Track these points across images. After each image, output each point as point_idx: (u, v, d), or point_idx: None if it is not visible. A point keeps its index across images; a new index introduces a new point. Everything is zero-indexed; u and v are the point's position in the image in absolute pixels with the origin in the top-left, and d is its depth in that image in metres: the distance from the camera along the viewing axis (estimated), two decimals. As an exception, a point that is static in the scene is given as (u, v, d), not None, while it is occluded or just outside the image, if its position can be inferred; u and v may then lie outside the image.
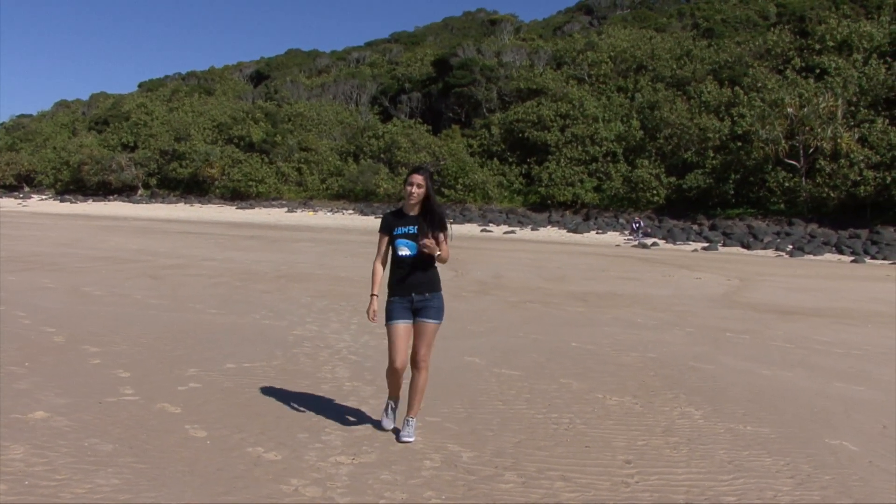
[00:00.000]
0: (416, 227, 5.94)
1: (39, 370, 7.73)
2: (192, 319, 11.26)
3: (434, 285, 6.08)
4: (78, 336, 9.55)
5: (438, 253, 5.94)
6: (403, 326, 5.96)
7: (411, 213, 6.03)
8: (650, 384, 8.18)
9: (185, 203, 76.20)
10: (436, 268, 6.10)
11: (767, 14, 69.07)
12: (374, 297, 6.04)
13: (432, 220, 5.99)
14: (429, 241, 5.80)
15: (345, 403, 6.94)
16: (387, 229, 6.07)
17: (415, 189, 5.93)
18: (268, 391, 7.31)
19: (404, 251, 5.95)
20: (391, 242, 6.04)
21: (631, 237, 42.56)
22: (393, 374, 6.05)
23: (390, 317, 5.97)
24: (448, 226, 6.12)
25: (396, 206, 6.44)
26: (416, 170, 6.05)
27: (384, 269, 6.15)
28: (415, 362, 6.03)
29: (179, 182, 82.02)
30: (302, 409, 6.74)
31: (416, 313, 6.01)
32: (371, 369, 8.17)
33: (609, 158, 57.22)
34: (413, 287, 5.97)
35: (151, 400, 6.80)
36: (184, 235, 33.57)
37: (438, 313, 6.08)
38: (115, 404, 6.63)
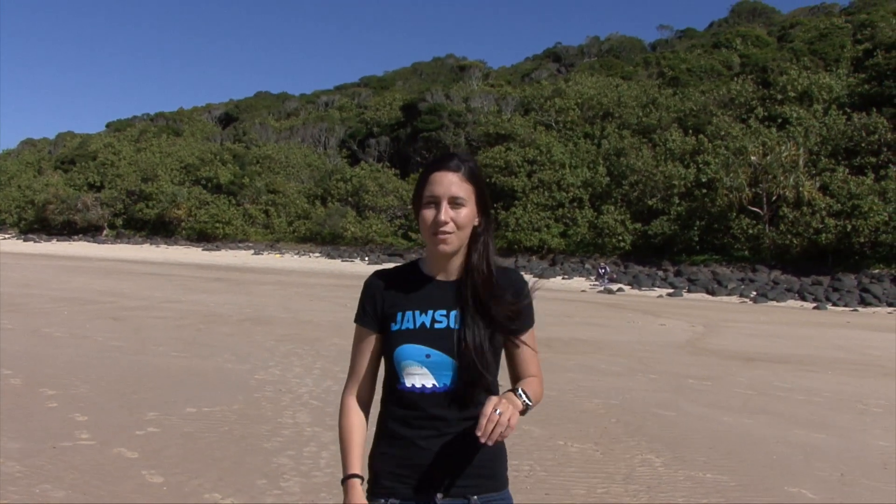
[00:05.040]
0: (453, 311, 2.49)
1: (-6, 414, 7.59)
2: (153, 362, 11.14)
3: (496, 471, 2.56)
4: (35, 378, 9.41)
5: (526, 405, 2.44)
6: None
7: (440, 277, 2.55)
8: (612, 431, 8.19)
9: (151, 244, 75.60)
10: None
11: (731, 64, 70.40)
12: (355, 483, 2.50)
13: (494, 293, 2.51)
14: (492, 414, 2.23)
15: (305, 449, 6.88)
16: (374, 316, 2.56)
17: (444, 215, 2.42)
18: (227, 436, 7.23)
19: (420, 378, 2.47)
20: (386, 351, 2.53)
21: (597, 283, 42.76)
22: None
23: None
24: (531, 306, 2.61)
25: (403, 262, 2.87)
26: (445, 161, 2.50)
27: (368, 411, 2.65)
28: None
29: (146, 223, 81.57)
30: (261, 454, 6.67)
31: None
32: (332, 415, 8.11)
33: (575, 204, 57.63)
34: (441, 476, 2.46)
35: (108, 444, 6.70)
36: (148, 277, 33.28)
37: None
38: (70, 449, 6.52)
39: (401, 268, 2.66)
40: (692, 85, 66.53)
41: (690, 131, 56.52)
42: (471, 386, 2.44)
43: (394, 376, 2.50)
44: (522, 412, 2.40)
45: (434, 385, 2.45)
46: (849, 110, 50.82)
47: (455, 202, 2.44)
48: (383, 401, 2.58)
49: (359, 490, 2.48)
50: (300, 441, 7.15)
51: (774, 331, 21.16)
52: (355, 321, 2.62)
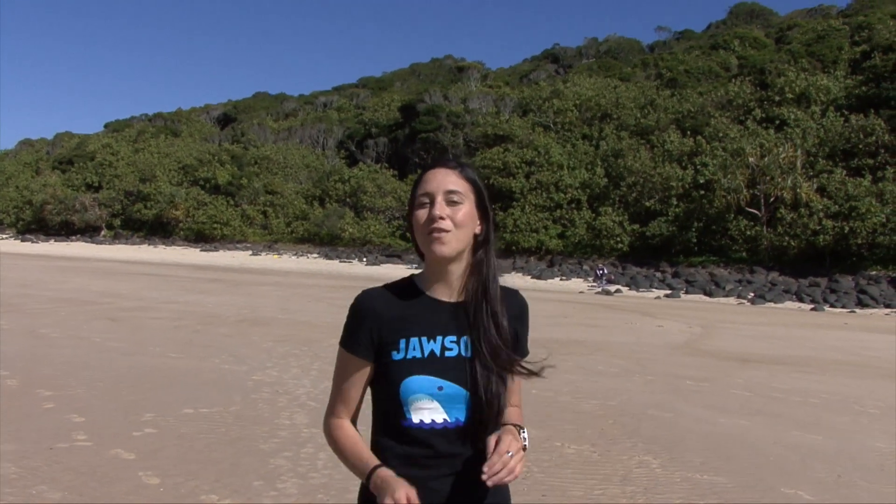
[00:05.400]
0: (463, 338, 2.23)
1: (-9, 415, 7.58)
2: (150, 363, 11.13)
3: (506, 498, 2.33)
4: (32, 379, 9.40)
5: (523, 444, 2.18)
6: None
7: (443, 297, 2.27)
8: (609, 432, 8.19)
9: (149, 244, 75.64)
10: None
11: (729, 66, 70.46)
12: (385, 470, 2.10)
13: (497, 319, 2.26)
14: (506, 455, 2.02)
15: (302, 450, 6.87)
16: (369, 345, 2.23)
17: (440, 208, 2.18)
18: (224, 437, 7.22)
19: (430, 413, 2.18)
20: (387, 382, 2.22)
21: (594, 284, 42.75)
22: None
23: None
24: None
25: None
26: (440, 159, 2.36)
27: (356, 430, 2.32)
28: None
29: (143, 223, 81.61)
30: (258, 456, 6.66)
31: None
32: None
33: (573, 205, 57.64)
34: None
35: (104, 446, 6.70)
36: (146, 277, 33.26)
37: None
38: (67, 450, 6.52)
39: (394, 286, 2.32)
40: (690, 86, 66.55)
41: (688, 133, 56.54)
42: (486, 420, 2.18)
43: (396, 411, 2.19)
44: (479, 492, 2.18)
45: (445, 420, 2.18)
46: (846, 112, 50.85)
47: (452, 198, 2.19)
48: (378, 436, 2.26)
49: (391, 473, 2.08)
50: (297, 442, 7.14)
51: (772, 332, 21.17)
52: (344, 347, 2.28)
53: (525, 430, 2.25)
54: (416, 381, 2.16)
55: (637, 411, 9.34)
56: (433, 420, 2.16)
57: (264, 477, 6.09)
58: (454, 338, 2.21)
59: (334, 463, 6.31)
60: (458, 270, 2.26)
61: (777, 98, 55.72)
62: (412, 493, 1.99)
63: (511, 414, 2.30)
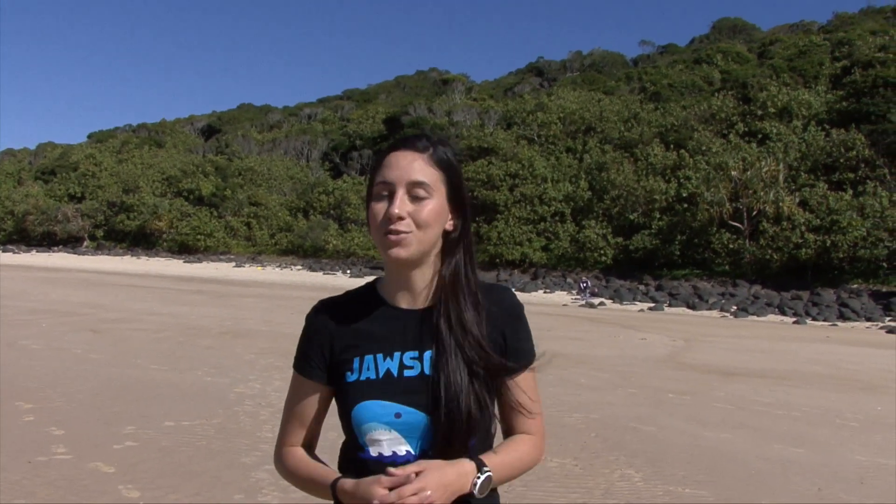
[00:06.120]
0: (427, 352, 1.86)
1: (-31, 427, 7.52)
2: (132, 375, 11.06)
3: None
4: (11, 391, 9.32)
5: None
6: None
7: (404, 305, 1.92)
8: (591, 446, 8.19)
9: (132, 256, 75.35)
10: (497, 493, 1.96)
11: (712, 80, 70.95)
12: (348, 481, 1.80)
13: (475, 322, 1.88)
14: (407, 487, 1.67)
15: (284, 463, 6.83)
16: (321, 365, 1.93)
17: (398, 206, 1.81)
18: (205, 450, 7.18)
19: (389, 444, 1.83)
20: (342, 408, 1.91)
21: (578, 297, 42.77)
22: None
23: None
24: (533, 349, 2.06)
25: (363, 284, 2.02)
26: (408, 139, 1.90)
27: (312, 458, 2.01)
28: None
29: (127, 234, 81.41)
30: (239, 469, 6.63)
31: None
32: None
33: (557, 218, 57.81)
34: None
35: (84, 459, 6.65)
36: (129, 289, 33.08)
37: None
38: (46, 463, 6.46)
39: (354, 294, 2.00)
40: (673, 100, 66.96)
41: (672, 146, 56.82)
42: (455, 451, 1.79)
43: (353, 442, 1.88)
44: (465, 497, 1.78)
45: (408, 452, 1.81)
46: (827, 126, 51.38)
47: (416, 192, 1.82)
48: (341, 468, 1.94)
49: (354, 480, 1.78)
50: (279, 455, 7.10)
51: (754, 345, 21.23)
52: (296, 370, 1.97)
53: (487, 473, 1.80)
54: (367, 408, 1.83)
55: (620, 424, 9.35)
56: (394, 452, 1.82)
57: (245, 490, 6.06)
58: (415, 353, 1.86)
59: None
60: (422, 274, 1.91)
61: (759, 112, 56.17)
62: (385, 479, 1.69)
63: (504, 450, 1.93)
